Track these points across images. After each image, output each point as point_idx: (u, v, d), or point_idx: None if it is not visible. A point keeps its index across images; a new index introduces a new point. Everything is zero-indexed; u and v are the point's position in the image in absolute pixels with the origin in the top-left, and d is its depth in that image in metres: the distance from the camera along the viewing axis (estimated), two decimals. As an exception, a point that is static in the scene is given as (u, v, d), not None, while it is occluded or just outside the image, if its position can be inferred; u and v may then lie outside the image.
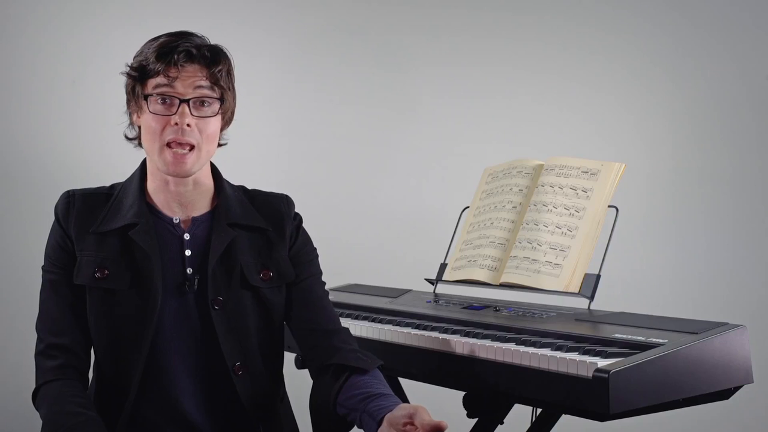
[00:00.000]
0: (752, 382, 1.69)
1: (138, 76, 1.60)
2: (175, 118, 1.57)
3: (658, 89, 3.41)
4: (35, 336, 1.65)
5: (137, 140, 1.68)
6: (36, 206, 3.16)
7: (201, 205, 1.68)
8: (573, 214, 2.03)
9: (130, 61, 1.64)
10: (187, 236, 1.65)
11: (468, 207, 2.32)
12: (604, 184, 2.03)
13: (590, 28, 3.47)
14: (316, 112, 3.50)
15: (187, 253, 1.64)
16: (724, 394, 1.67)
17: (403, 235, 3.44)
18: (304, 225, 1.80)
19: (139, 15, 3.23)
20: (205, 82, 1.59)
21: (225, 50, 1.65)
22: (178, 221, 1.66)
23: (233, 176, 1.82)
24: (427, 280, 2.34)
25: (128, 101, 1.66)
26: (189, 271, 1.63)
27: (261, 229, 1.71)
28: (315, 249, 1.81)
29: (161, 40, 1.61)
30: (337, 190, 3.44)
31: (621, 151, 3.31)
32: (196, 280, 1.63)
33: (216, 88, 1.60)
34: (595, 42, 3.46)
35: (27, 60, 3.18)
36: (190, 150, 1.59)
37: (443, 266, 2.30)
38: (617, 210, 1.99)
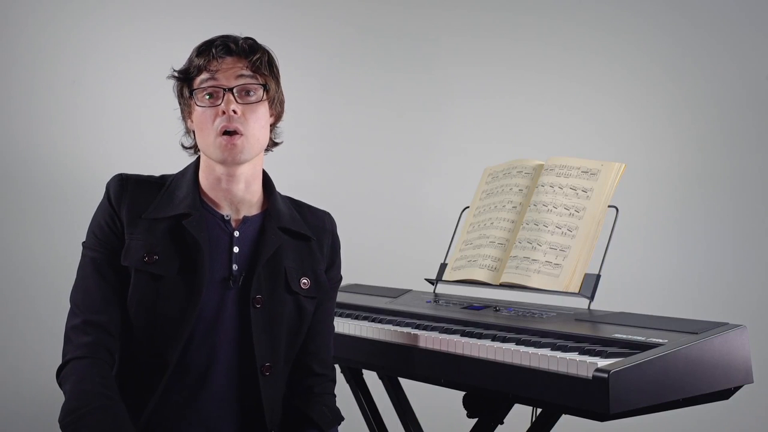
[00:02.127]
0: (752, 382, 1.69)
1: (183, 77, 1.67)
2: (222, 107, 1.62)
3: (658, 89, 3.41)
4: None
5: (193, 149, 1.72)
6: (36, 206, 3.17)
7: (251, 207, 1.72)
8: (573, 214, 2.03)
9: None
10: (237, 234, 1.68)
11: (468, 207, 2.32)
12: (604, 184, 2.03)
13: (590, 28, 3.47)
14: (316, 113, 3.50)
15: (235, 250, 1.67)
16: (724, 394, 1.67)
17: (403, 235, 3.44)
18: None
19: (139, 15, 3.23)
20: (246, 71, 1.65)
21: (266, 47, 1.71)
22: (228, 218, 1.69)
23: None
24: (427, 280, 2.34)
25: (180, 107, 1.71)
26: (235, 267, 1.66)
27: (306, 237, 1.76)
28: (341, 278, 1.86)
29: (201, 42, 1.68)
30: (336, 190, 3.44)
31: (621, 151, 3.31)
32: (241, 278, 1.66)
33: (258, 77, 1.66)
34: (595, 42, 3.46)
35: (27, 60, 3.18)
36: (240, 135, 1.64)
37: (443, 266, 2.30)
38: (617, 210, 1.99)
